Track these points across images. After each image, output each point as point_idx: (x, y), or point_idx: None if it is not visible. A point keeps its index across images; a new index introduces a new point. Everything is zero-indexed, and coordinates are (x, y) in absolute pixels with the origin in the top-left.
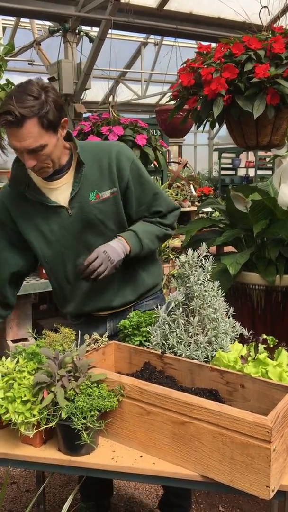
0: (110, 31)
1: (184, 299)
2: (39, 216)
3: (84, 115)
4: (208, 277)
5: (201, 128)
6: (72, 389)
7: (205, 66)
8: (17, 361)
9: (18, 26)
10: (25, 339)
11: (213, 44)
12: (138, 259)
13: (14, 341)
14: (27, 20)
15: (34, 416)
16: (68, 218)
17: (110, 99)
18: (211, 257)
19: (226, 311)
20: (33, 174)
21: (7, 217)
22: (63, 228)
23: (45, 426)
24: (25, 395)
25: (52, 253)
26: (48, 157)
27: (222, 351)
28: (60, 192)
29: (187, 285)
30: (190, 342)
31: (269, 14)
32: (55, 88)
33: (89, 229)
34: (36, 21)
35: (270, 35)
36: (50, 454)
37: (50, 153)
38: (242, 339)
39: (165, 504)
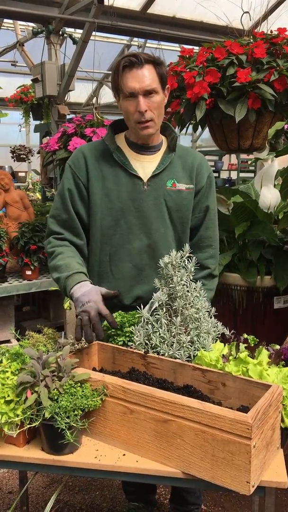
0: (93, 33)
1: (167, 299)
2: (112, 179)
3: (68, 117)
4: (191, 277)
5: (184, 130)
6: (55, 389)
7: (188, 70)
8: (1, 362)
9: (1, 27)
10: (8, 341)
11: (196, 48)
12: None
13: None
14: (11, 21)
15: (17, 416)
16: (142, 192)
17: (94, 101)
18: (194, 258)
19: (208, 311)
20: (123, 142)
21: (83, 170)
22: (132, 200)
23: (28, 426)
24: (8, 395)
25: (110, 220)
26: (156, 109)
27: (204, 350)
28: (144, 166)
29: (170, 285)
30: (173, 342)
31: (250, 20)
32: None
33: (155, 212)
34: (20, 22)
35: (252, 40)
36: (34, 453)
37: (159, 104)
38: (223, 339)
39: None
